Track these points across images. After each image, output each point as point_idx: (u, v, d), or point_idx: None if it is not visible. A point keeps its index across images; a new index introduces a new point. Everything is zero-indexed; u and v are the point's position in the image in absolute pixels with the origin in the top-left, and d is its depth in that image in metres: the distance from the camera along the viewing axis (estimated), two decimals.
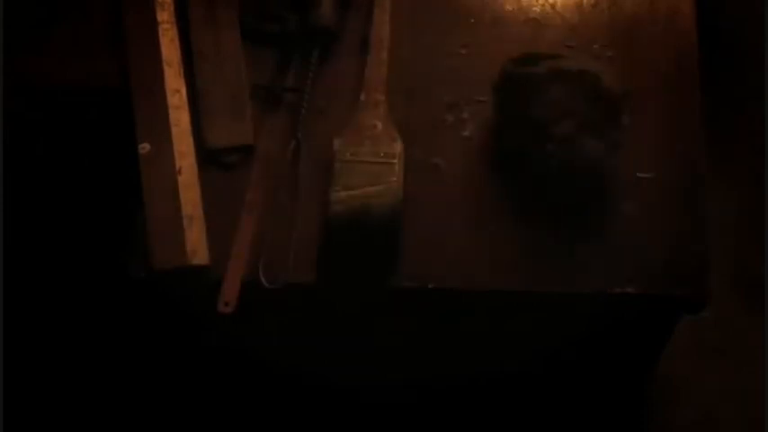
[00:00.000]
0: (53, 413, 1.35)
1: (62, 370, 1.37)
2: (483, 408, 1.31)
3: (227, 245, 1.02)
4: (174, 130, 1.07)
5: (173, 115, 1.07)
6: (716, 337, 1.38)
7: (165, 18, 1.11)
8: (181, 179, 1.04)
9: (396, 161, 1.03)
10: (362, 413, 1.32)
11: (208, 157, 1.08)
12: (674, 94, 1.10)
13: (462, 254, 1.03)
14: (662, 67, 1.11)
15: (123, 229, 1.04)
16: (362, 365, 1.23)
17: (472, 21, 1.15)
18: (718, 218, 1.06)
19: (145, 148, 1.05)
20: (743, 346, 1.39)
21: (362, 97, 1.09)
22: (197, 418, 1.33)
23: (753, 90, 1.46)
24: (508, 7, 1.16)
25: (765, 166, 1.45)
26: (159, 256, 1.01)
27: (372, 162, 1.03)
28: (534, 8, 1.16)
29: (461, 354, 1.20)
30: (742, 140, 1.49)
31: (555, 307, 1.06)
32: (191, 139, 1.07)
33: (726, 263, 1.13)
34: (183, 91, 1.09)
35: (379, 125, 1.06)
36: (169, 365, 1.32)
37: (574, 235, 1.03)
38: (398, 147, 1.05)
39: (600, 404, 1.31)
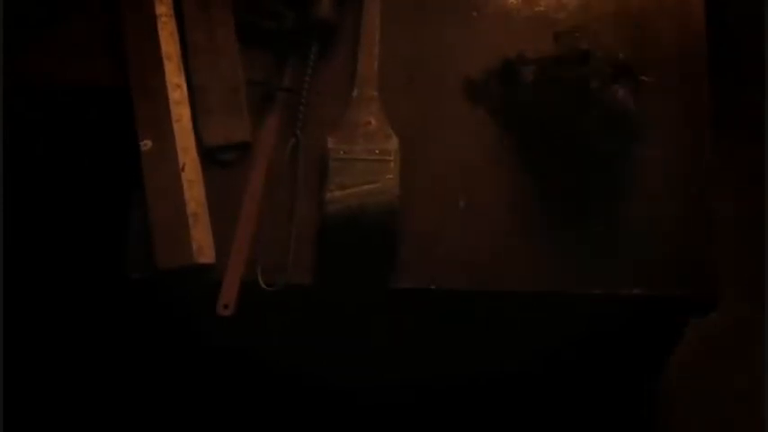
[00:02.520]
0: (52, 414, 1.35)
1: (60, 370, 1.37)
2: (484, 409, 1.31)
3: (226, 244, 1.02)
4: (176, 126, 1.05)
5: (174, 111, 1.06)
6: (716, 337, 1.38)
7: (164, 11, 1.10)
8: (184, 176, 1.03)
9: (391, 158, 1.02)
10: (361, 414, 1.32)
11: (204, 155, 1.06)
12: (681, 89, 1.08)
13: (465, 254, 1.02)
14: (669, 61, 1.10)
15: (122, 230, 1.03)
16: (361, 366, 1.23)
17: (475, 14, 1.13)
18: (718, 216, 1.04)
19: (147, 144, 1.04)
20: (743, 346, 1.39)
21: (355, 93, 1.08)
22: (195, 420, 1.32)
23: (755, 86, 1.46)
24: None
25: (765, 165, 1.45)
26: (164, 255, 1.00)
27: (367, 160, 1.02)
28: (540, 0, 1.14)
29: (462, 355, 1.20)
30: (742, 138, 1.49)
31: (559, 308, 1.05)
32: (192, 135, 1.06)
33: (726, 262, 1.12)
34: (184, 86, 1.08)
35: (373, 121, 1.05)
36: (166, 366, 1.31)
37: (579, 234, 1.02)
38: (394, 143, 1.04)
39: (604, 407, 1.30)
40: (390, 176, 1.01)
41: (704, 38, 1.10)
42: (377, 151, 1.02)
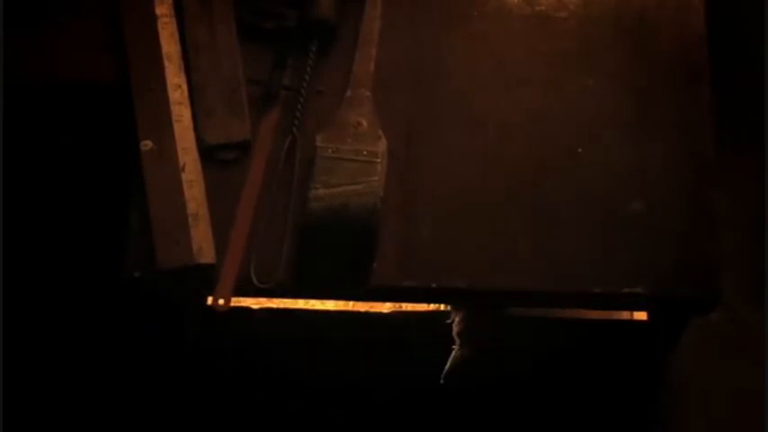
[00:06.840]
0: (49, 413, 1.34)
1: (57, 370, 1.36)
2: (486, 410, 1.30)
3: (224, 242, 1.02)
4: (177, 126, 1.06)
5: (174, 111, 1.06)
6: (717, 337, 1.38)
7: (164, 11, 1.11)
8: (184, 176, 1.04)
9: (379, 160, 1.03)
10: (362, 413, 1.31)
11: (205, 155, 1.06)
12: (682, 88, 1.09)
13: (467, 253, 1.02)
14: (670, 60, 1.10)
15: (121, 230, 1.03)
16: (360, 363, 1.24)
17: (475, 13, 1.13)
18: (718, 216, 1.04)
19: (147, 145, 1.05)
20: (743, 346, 1.39)
21: (348, 93, 1.08)
22: (192, 420, 1.32)
23: (756, 87, 1.45)
24: None
25: (765, 164, 1.44)
26: (164, 255, 1.01)
27: (355, 160, 1.02)
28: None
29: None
30: (742, 138, 1.49)
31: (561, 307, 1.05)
32: (192, 135, 1.07)
33: (726, 262, 1.12)
34: (185, 86, 1.08)
35: (364, 123, 1.06)
36: (163, 365, 1.31)
37: (580, 234, 1.02)
38: (382, 145, 1.04)
39: (604, 406, 1.30)
40: (376, 178, 1.01)
41: (705, 38, 1.11)
42: (365, 152, 1.03)
